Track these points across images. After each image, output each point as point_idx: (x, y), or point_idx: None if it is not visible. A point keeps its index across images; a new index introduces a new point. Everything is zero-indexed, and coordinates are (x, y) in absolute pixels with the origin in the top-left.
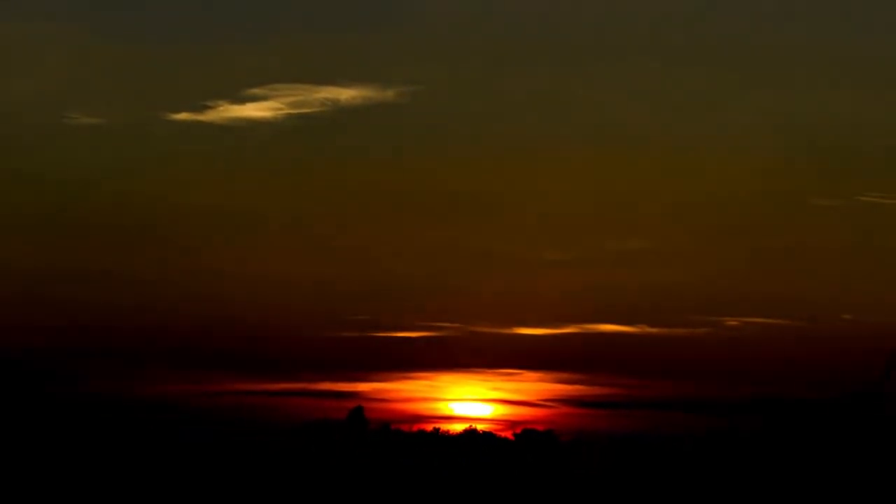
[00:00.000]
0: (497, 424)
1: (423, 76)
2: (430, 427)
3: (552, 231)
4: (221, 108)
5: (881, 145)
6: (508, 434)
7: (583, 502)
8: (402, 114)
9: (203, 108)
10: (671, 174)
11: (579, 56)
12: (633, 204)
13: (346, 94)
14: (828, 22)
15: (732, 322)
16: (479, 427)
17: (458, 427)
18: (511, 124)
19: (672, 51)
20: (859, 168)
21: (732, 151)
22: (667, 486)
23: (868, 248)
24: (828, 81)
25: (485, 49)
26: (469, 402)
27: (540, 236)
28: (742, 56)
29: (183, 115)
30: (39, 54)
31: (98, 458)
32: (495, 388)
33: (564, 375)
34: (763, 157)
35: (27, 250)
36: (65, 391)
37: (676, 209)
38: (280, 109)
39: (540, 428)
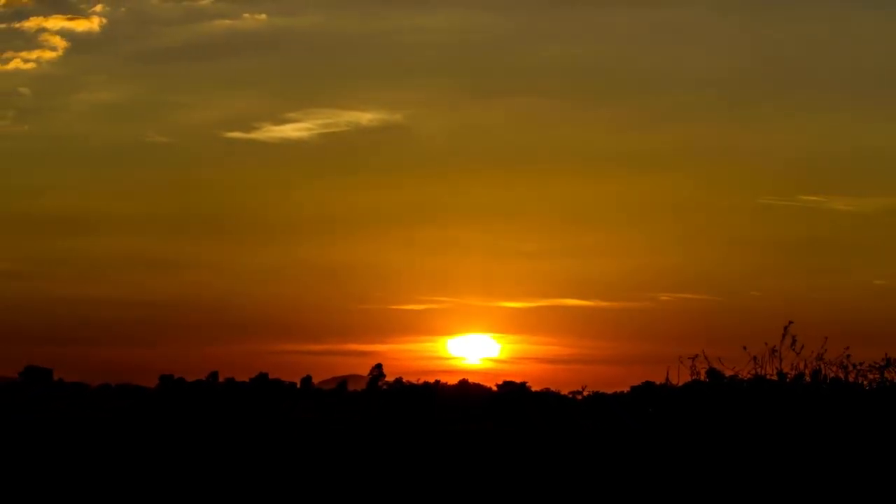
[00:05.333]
0: (483, 377)
1: (424, 101)
2: (432, 379)
3: (528, 229)
4: (265, 129)
5: (781, 158)
6: (492, 385)
7: (549, 438)
8: (406, 132)
9: (250, 129)
10: (619, 185)
11: (551, 87)
12: (590, 208)
13: (366, 118)
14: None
15: (665, 297)
16: (470, 379)
17: (454, 379)
18: (495, 142)
19: (624, 85)
20: (757, 176)
21: (663, 169)
22: (615, 425)
23: (769, 239)
24: (715, 104)
25: (475, 81)
26: (463, 359)
27: (518, 233)
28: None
29: (235, 134)
30: (124, 87)
31: (182, 397)
32: (483, 349)
33: (536, 339)
34: (683, 173)
35: (119, 243)
36: (153, 350)
37: (624, 212)
38: (312, 129)
39: (517, 380)
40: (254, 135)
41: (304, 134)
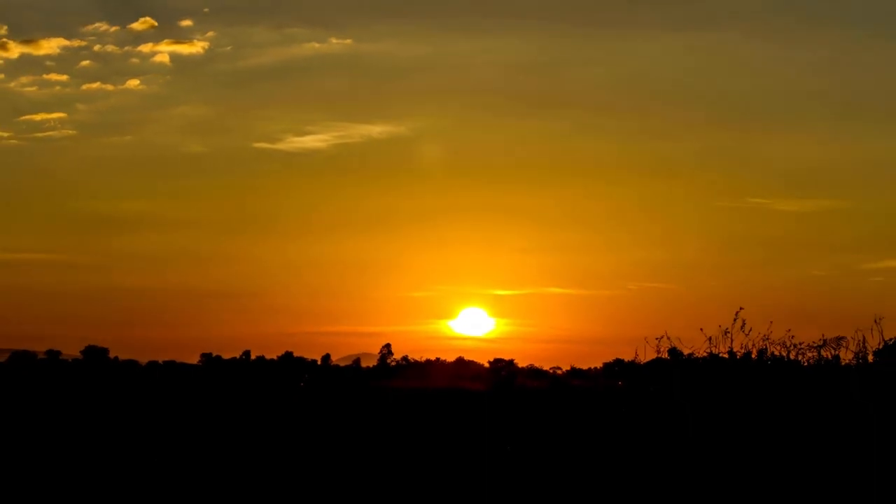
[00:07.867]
0: (477, 355)
1: (429, 116)
2: (434, 357)
3: (519, 228)
4: (288, 140)
5: (732, 166)
6: (484, 362)
7: (532, 409)
8: (411, 143)
9: (276, 140)
10: (595, 192)
11: (543, 107)
12: (571, 211)
13: (376, 130)
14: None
15: (634, 286)
16: (466, 357)
17: (452, 356)
18: (490, 153)
19: (604, 103)
20: (712, 181)
21: (633, 178)
22: (589, 397)
23: (723, 236)
24: (681, 122)
25: (470, 99)
26: (460, 339)
27: (510, 232)
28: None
29: (262, 144)
30: (161, 105)
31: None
32: (478, 330)
33: (524, 321)
34: (650, 181)
35: (175, 239)
36: (192, 332)
37: (599, 214)
38: (330, 140)
39: (506, 357)
40: (279, 145)
41: (321, 145)
